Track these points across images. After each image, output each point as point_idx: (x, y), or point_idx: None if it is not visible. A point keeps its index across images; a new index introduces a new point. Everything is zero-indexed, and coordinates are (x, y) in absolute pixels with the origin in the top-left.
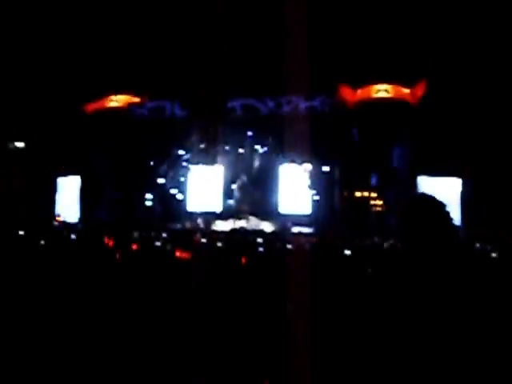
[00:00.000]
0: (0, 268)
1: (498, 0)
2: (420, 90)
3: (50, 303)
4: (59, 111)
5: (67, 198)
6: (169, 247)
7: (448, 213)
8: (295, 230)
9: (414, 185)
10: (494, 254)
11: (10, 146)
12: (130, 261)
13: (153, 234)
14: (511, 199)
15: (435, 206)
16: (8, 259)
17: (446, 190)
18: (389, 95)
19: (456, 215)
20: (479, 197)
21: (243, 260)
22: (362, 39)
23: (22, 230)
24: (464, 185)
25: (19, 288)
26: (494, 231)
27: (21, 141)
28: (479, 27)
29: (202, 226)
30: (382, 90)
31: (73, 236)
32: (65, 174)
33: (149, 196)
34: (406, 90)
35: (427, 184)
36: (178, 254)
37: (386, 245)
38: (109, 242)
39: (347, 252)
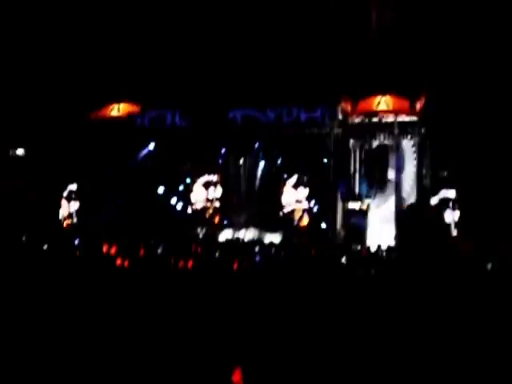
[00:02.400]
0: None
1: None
2: (421, 102)
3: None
4: (61, 119)
5: (69, 205)
6: (169, 255)
7: (437, 220)
8: (295, 239)
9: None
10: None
11: (11, 152)
12: (130, 266)
13: (153, 242)
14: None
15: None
16: (12, 263)
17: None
18: (389, 107)
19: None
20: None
21: (236, 267)
22: (363, 51)
23: (26, 235)
24: (460, 195)
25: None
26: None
27: (22, 148)
28: (479, 38)
29: (202, 235)
30: (382, 102)
31: (76, 242)
32: (67, 182)
33: (149, 205)
34: (407, 102)
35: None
36: (178, 262)
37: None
38: (109, 248)
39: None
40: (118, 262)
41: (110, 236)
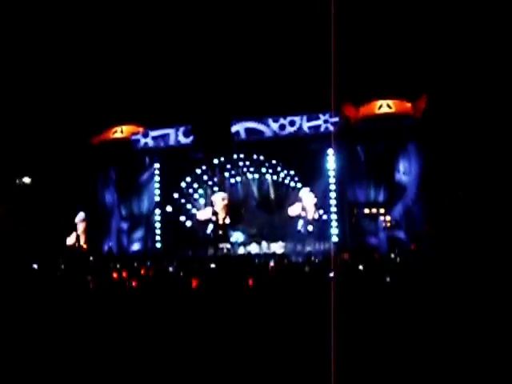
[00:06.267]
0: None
1: (496, 16)
2: (422, 103)
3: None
4: (65, 145)
5: (77, 231)
6: (181, 275)
7: None
8: (307, 250)
9: (422, 199)
10: None
11: (18, 181)
12: (144, 288)
13: (165, 262)
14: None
15: None
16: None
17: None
18: (391, 110)
19: None
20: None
21: (250, 282)
22: (363, 56)
23: (36, 263)
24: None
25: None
26: None
27: (27, 176)
28: (479, 40)
29: (212, 252)
30: (384, 106)
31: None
32: (74, 207)
33: (157, 225)
34: (408, 104)
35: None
36: (192, 281)
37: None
38: (121, 272)
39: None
40: (133, 283)
41: (121, 259)
